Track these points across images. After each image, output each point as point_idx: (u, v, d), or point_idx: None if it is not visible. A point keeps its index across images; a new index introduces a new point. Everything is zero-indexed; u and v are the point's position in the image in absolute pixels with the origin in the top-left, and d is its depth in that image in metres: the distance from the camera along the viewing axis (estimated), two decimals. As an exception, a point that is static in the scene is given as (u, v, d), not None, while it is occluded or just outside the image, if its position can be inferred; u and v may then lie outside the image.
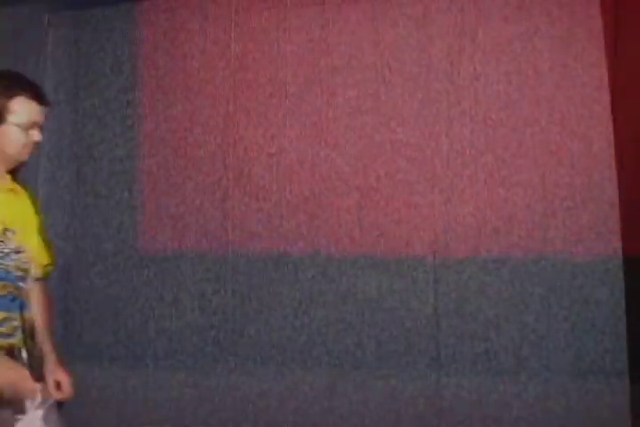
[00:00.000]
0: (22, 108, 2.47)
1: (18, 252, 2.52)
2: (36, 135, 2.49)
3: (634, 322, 2.73)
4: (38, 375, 2.47)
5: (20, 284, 2.49)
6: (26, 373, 2.35)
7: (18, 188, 2.60)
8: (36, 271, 2.54)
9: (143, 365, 2.97)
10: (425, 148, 2.90)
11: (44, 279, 2.52)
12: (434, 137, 2.90)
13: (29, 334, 2.48)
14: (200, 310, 2.96)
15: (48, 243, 2.57)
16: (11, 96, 2.46)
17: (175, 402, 2.95)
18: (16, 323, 2.47)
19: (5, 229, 2.51)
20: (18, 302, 2.49)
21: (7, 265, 2.50)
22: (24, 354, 2.45)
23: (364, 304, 2.88)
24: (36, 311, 2.51)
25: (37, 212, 2.56)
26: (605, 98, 2.81)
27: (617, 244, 2.75)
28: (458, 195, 2.86)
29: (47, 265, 2.55)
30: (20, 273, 2.50)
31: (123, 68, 3.17)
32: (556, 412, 2.75)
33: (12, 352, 2.43)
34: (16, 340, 2.48)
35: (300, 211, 2.93)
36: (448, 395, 2.81)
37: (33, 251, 2.49)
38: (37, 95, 2.47)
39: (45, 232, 2.57)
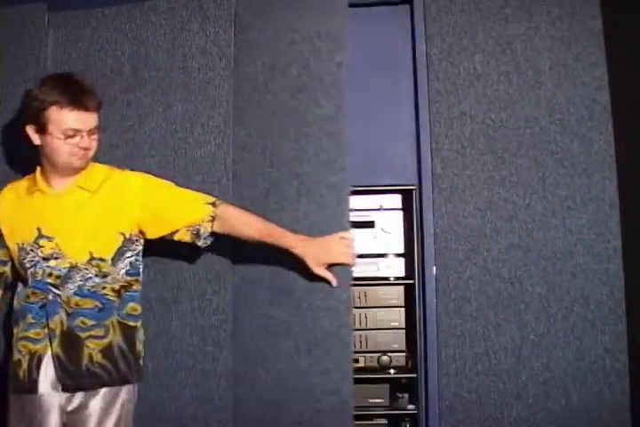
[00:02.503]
0: (58, 118, 2.47)
1: (49, 259, 2.53)
2: (82, 142, 2.49)
3: (634, 322, 2.73)
4: (68, 385, 2.51)
5: (54, 291, 2.51)
6: None
7: (97, 186, 2.60)
8: (205, 228, 2.61)
9: (143, 365, 2.96)
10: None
11: (220, 213, 2.60)
12: (434, 137, 2.90)
13: (59, 342, 2.51)
14: (200, 310, 2.95)
15: (187, 201, 2.64)
16: (46, 106, 2.47)
17: (175, 402, 2.95)
18: (45, 330, 2.51)
19: (39, 237, 2.52)
20: (45, 309, 2.51)
21: (36, 273, 2.53)
22: (45, 360, 2.49)
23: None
24: (245, 231, 2.60)
25: (143, 194, 2.61)
26: (605, 98, 2.81)
27: (617, 243, 2.75)
28: (458, 195, 2.87)
29: (205, 208, 2.61)
30: (51, 280, 2.51)
31: (123, 68, 3.17)
32: (556, 412, 2.75)
33: (33, 357, 2.48)
34: (40, 346, 2.52)
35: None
36: (448, 395, 2.81)
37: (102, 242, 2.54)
38: (72, 102, 2.47)
39: (176, 196, 2.65)
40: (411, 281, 2.92)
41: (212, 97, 3.06)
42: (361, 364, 2.93)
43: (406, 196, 2.98)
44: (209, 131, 3.04)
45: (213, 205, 2.62)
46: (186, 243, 2.65)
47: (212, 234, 2.62)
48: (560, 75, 2.85)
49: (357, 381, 2.94)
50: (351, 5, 3.04)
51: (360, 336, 2.94)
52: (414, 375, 2.88)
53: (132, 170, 2.80)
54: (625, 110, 2.78)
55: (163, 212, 2.61)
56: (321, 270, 2.53)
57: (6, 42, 3.22)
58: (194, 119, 3.04)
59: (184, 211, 2.62)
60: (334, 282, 2.52)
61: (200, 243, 2.63)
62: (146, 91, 3.10)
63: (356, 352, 2.93)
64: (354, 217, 2.98)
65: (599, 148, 2.80)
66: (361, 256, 2.98)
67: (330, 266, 2.51)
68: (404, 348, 2.94)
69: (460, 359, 2.82)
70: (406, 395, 2.98)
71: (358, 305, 2.96)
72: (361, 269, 2.98)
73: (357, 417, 2.94)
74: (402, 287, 2.96)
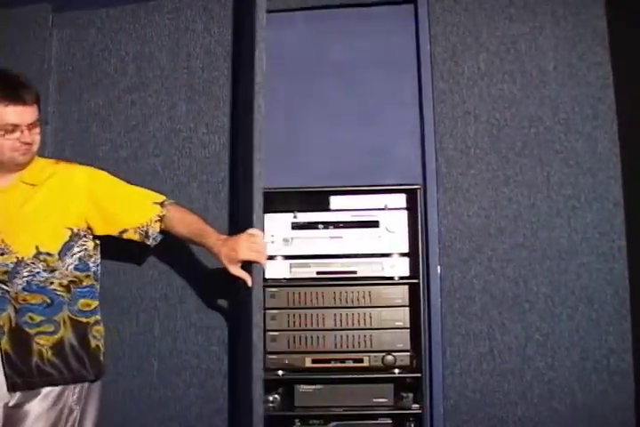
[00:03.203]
0: None
1: None
2: (23, 137, 2.48)
3: (638, 322, 2.73)
4: (18, 383, 2.49)
5: (3, 287, 2.53)
6: None
7: (42, 181, 2.57)
8: (153, 228, 2.61)
9: (148, 364, 2.97)
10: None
11: (167, 212, 2.60)
12: (438, 136, 2.90)
13: (8, 339, 2.49)
14: (205, 309, 2.96)
15: (134, 202, 2.63)
16: None
17: (180, 402, 2.95)
18: None
19: None
20: None
21: None
22: None
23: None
24: (181, 230, 2.58)
25: (90, 190, 2.59)
26: (610, 97, 2.81)
27: (622, 243, 2.75)
28: (463, 194, 2.87)
29: (152, 209, 2.60)
30: None
31: (127, 68, 3.17)
32: (560, 411, 2.75)
33: None
34: None
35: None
36: (453, 394, 2.81)
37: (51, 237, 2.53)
38: (7, 97, 2.44)
39: (124, 195, 2.63)
40: (415, 281, 2.91)
41: (216, 97, 3.07)
42: (365, 363, 2.93)
43: (411, 195, 2.98)
44: (213, 130, 3.05)
45: (162, 204, 2.62)
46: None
47: (162, 232, 2.62)
48: (564, 74, 2.85)
49: (362, 380, 2.95)
50: (355, 5, 3.05)
51: (364, 336, 2.94)
52: (419, 375, 2.87)
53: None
54: (629, 109, 2.78)
55: (110, 212, 2.60)
56: (235, 269, 2.46)
57: (11, 42, 3.23)
58: (198, 119, 3.05)
59: (131, 212, 2.62)
60: (249, 281, 2.45)
61: (149, 242, 2.64)
62: (150, 90, 3.11)
63: (361, 352, 2.93)
64: (358, 217, 2.99)
65: (604, 147, 2.81)
66: (365, 256, 2.99)
67: (243, 265, 2.47)
68: (408, 347, 2.93)
69: (465, 359, 2.82)
70: (411, 395, 2.97)
71: (362, 305, 2.96)
72: (365, 268, 2.98)
73: (362, 417, 2.94)
74: (406, 287, 2.95)
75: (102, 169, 2.87)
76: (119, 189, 2.65)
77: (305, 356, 2.96)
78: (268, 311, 2.95)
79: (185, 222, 2.58)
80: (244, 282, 2.46)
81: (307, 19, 3.06)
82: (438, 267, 2.86)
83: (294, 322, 2.97)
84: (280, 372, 2.94)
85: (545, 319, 2.78)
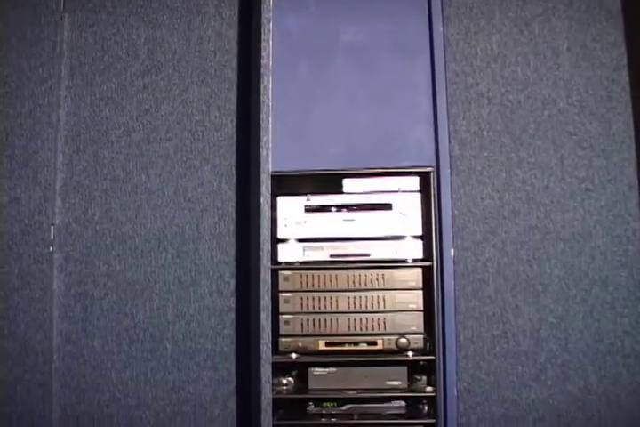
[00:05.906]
0: None
1: None
2: None
3: (653, 304, 2.73)
4: None
5: None
6: None
7: None
8: None
9: (162, 347, 2.98)
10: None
11: None
12: (452, 119, 2.89)
13: None
14: (218, 292, 2.96)
15: None
16: None
17: (194, 384, 2.97)
18: None
19: None
20: None
21: None
22: None
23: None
24: None
25: None
26: (624, 78, 2.80)
27: (636, 225, 2.75)
28: (476, 176, 2.86)
29: None
30: None
31: (139, 52, 3.17)
32: (574, 394, 2.75)
33: None
34: None
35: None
36: (466, 377, 2.81)
37: None
38: None
39: None
40: (429, 263, 2.91)
41: (228, 79, 3.07)
42: (379, 346, 2.93)
43: (424, 178, 2.97)
44: (226, 113, 3.05)
45: None
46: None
47: None
48: (578, 55, 2.84)
49: (376, 363, 2.95)
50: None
51: (378, 319, 2.94)
52: (432, 358, 2.88)
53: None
54: (644, 91, 2.77)
55: None
56: None
57: (22, 26, 3.23)
58: (210, 102, 3.05)
59: None
60: None
61: None
62: (162, 74, 3.11)
63: (374, 335, 2.94)
64: (372, 199, 2.99)
65: (618, 129, 2.79)
66: (379, 238, 2.98)
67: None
68: (422, 330, 2.93)
69: (478, 341, 2.82)
70: (424, 377, 2.98)
71: (376, 287, 2.96)
72: (379, 251, 2.98)
73: (375, 399, 2.95)
74: (420, 269, 2.95)
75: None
76: None
77: (318, 339, 2.96)
78: (281, 294, 2.96)
79: None
80: None
81: (319, 1, 3.05)
82: (452, 249, 2.85)
83: (307, 305, 2.97)
84: (293, 355, 2.95)
85: (559, 302, 2.78)
